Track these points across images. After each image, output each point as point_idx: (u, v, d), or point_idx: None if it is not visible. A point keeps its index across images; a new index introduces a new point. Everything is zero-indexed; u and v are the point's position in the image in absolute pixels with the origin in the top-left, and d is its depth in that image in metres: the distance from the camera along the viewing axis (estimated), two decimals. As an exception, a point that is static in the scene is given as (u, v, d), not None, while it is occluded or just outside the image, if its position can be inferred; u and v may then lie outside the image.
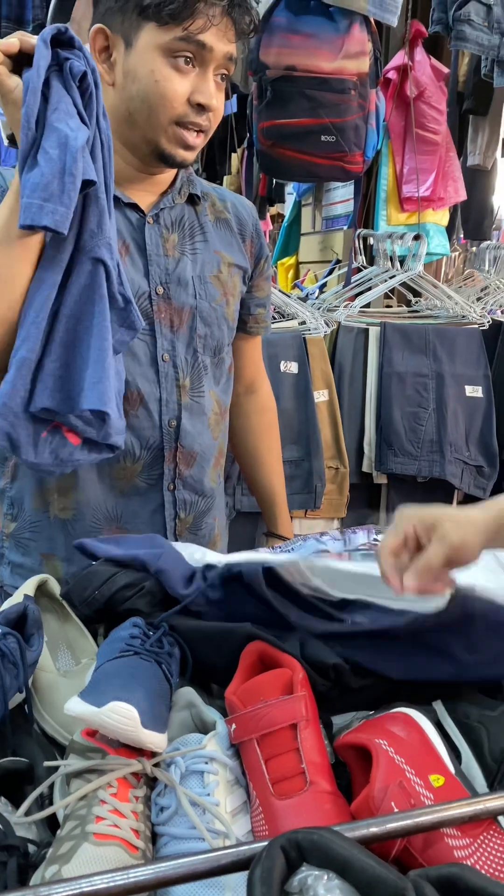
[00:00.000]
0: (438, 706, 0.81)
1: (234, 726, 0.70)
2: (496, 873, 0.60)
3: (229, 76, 1.07)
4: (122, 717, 0.64)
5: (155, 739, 0.66)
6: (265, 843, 0.53)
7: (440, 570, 0.76)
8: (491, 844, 0.62)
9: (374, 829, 0.60)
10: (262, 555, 0.89)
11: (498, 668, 0.81)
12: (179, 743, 0.70)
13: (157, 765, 0.67)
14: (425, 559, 0.75)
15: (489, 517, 0.79)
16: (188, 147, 1.05)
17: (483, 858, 0.61)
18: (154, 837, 0.65)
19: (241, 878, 0.57)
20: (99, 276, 0.89)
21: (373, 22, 1.77)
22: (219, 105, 1.05)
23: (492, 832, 0.63)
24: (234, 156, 2.95)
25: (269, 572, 0.83)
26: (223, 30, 1.01)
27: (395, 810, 0.63)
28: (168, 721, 0.72)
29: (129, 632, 0.76)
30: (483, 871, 0.59)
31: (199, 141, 1.06)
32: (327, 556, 0.95)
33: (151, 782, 0.68)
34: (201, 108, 1.03)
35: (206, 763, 0.67)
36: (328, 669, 0.77)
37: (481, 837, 0.62)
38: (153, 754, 0.68)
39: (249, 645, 0.77)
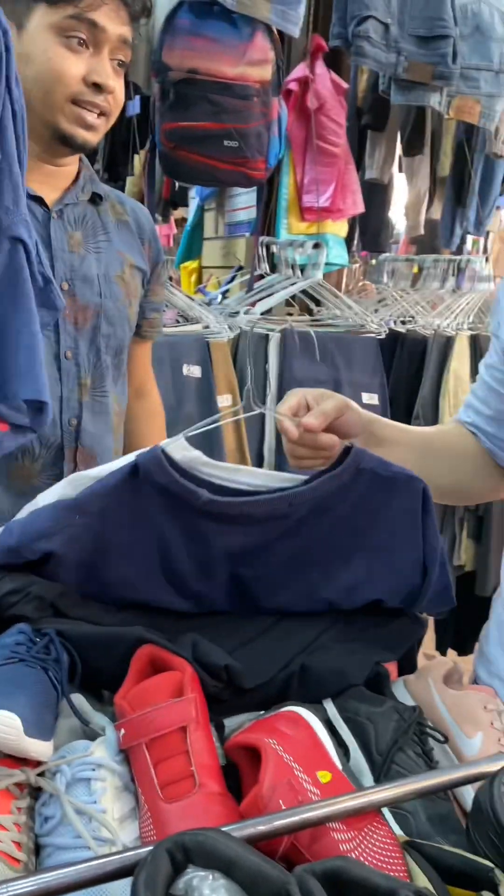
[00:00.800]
0: (328, 704, 0.83)
1: (122, 731, 0.69)
2: (378, 863, 0.61)
3: (127, 64, 1.07)
4: (3, 725, 0.62)
5: (39, 748, 0.64)
6: (150, 848, 0.53)
7: (334, 417, 0.87)
8: (374, 836, 0.63)
9: (261, 828, 0.61)
10: None
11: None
12: (66, 750, 0.68)
13: (42, 774, 0.65)
14: (321, 407, 0.86)
15: (368, 414, 0.95)
16: (88, 127, 1.04)
17: (367, 850, 0.63)
18: (38, 849, 0.63)
19: (127, 884, 0.56)
20: (19, 256, 0.86)
21: (275, 31, 1.80)
22: (116, 88, 1.05)
23: (375, 824, 0.64)
24: (136, 157, 2.93)
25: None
26: (115, 10, 1.01)
27: (283, 808, 0.63)
28: (55, 729, 0.70)
29: (15, 638, 0.73)
30: (366, 863, 0.61)
31: (99, 122, 1.06)
32: None
33: (36, 792, 0.66)
34: (97, 87, 1.02)
35: (94, 770, 0.66)
36: (220, 671, 0.77)
37: (365, 830, 0.64)
38: (38, 763, 0.66)
39: (140, 649, 0.76)
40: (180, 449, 0.84)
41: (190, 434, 0.85)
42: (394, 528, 0.86)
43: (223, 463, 0.88)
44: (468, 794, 0.75)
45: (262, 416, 2.01)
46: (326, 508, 0.84)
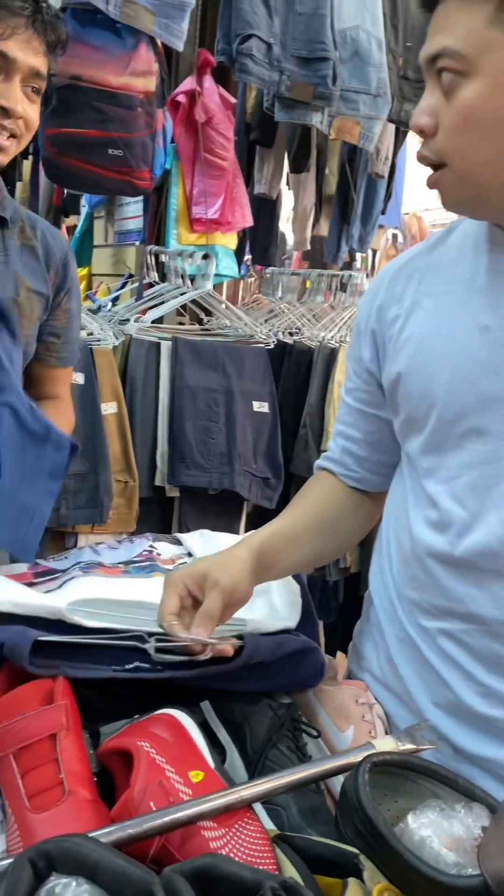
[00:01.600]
0: (205, 706, 0.84)
1: (-11, 743, 0.67)
2: (248, 858, 0.62)
3: (41, 91, 1.09)
4: None
5: None
6: (12, 860, 0.52)
7: (221, 615, 0.80)
8: (244, 831, 0.64)
9: (130, 831, 0.61)
10: (23, 593, 0.84)
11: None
12: None
13: None
14: (204, 609, 0.79)
15: (252, 555, 0.86)
16: None
17: (237, 846, 0.63)
18: None
19: (-12, 899, 0.55)
20: None
21: (160, 44, 1.81)
22: (28, 113, 1.07)
23: (246, 819, 0.66)
24: (25, 162, 2.86)
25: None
26: (27, 41, 1.02)
27: (154, 809, 0.63)
28: None
29: None
30: (236, 858, 0.62)
31: (9, 143, 1.07)
32: (99, 570, 0.94)
33: None
34: (4, 112, 1.03)
35: (-43, 785, 0.64)
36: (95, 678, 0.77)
37: (236, 826, 0.65)
38: None
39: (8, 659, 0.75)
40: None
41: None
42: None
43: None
44: (339, 784, 0.77)
45: (155, 420, 2.00)
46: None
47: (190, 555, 1.04)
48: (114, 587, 0.87)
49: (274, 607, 0.93)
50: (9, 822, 0.64)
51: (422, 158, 0.77)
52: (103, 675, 0.75)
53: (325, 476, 1.05)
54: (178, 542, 1.10)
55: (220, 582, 0.80)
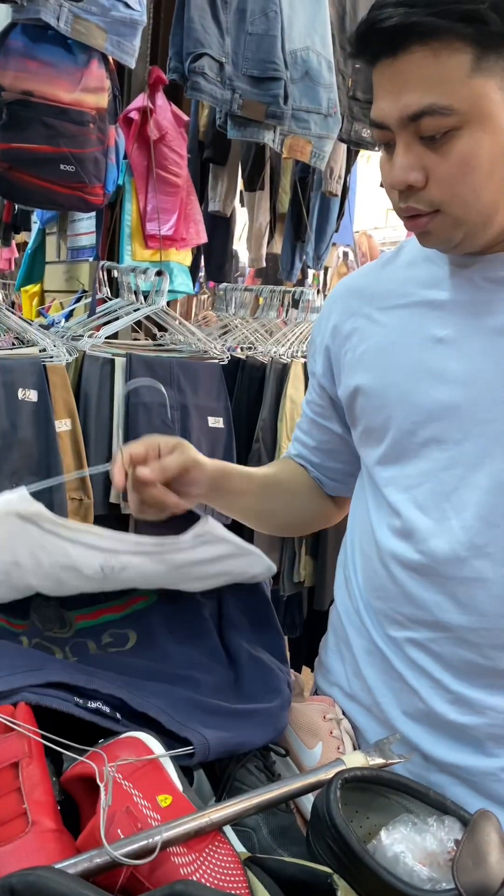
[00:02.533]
0: (171, 727, 0.82)
1: None
2: (219, 883, 0.61)
3: None
4: None
5: None
6: (-26, 896, 0.49)
7: (173, 474, 0.87)
8: (215, 855, 0.63)
9: (97, 860, 0.59)
10: None
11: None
12: None
13: None
14: (164, 461, 0.86)
15: (215, 468, 0.95)
16: None
17: (208, 871, 0.62)
18: None
19: None
20: None
21: (112, 61, 1.81)
22: None
23: (216, 843, 0.64)
24: (-27, 177, 2.82)
25: None
26: None
27: (122, 837, 0.61)
28: None
29: None
30: (207, 884, 0.60)
31: None
32: None
33: None
34: None
35: None
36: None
37: (206, 850, 0.63)
38: None
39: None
40: (23, 501, 0.81)
41: (33, 489, 0.82)
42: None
43: (71, 522, 0.85)
44: (309, 803, 0.76)
45: (110, 437, 1.97)
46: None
47: None
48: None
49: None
50: (-31, 856, 0.62)
51: (409, 211, 0.77)
52: (64, 709, 0.73)
53: (288, 460, 1.12)
54: None
55: (188, 452, 0.88)
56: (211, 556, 0.93)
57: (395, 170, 0.75)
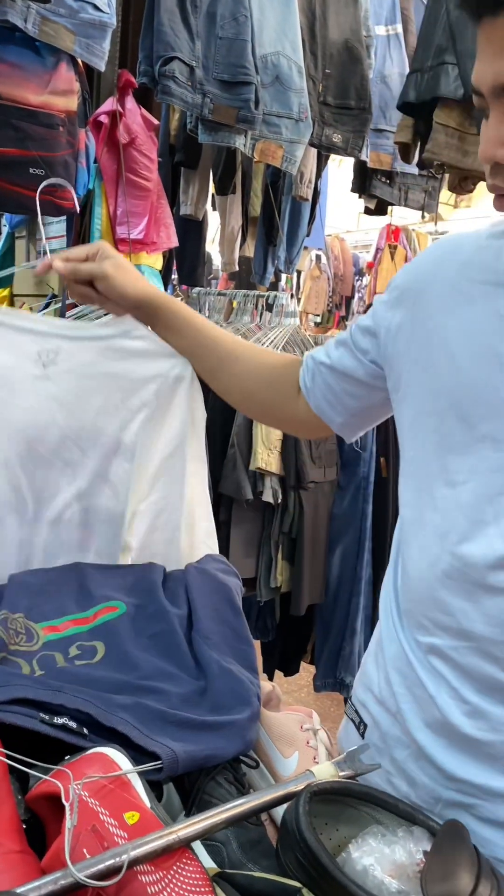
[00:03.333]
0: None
1: None
2: (187, 901, 0.60)
3: None
4: None
5: None
6: None
7: (81, 277, 1.00)
8: (183, 873, 0.62)
9: (62, 882, 0.58)
10: None
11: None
12: None
13: None
14: (79, 265, 1.01)
15: (142, 294, 1.03)
16: None
17: (176, 888, 0.61)
18: None
19: None
20: None
21: (81, 64, 1.79)
22: None
23: (185, 860, 0.63)
24: None
25: None
26: None
27: (88, 857, 0.60)
28: None
29: None
30: (175, 902, 0.59)
31: None
32: None
33: None
34: None
35: None
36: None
37: (174, 868, 0.62)
38: None
39: None
40: None
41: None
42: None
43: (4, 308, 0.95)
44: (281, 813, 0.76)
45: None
46: None
47: None
48: None
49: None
50: None
51: (496, 188, 0.71)
52: (29, 726, 0.72)
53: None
54: None
55: (117, 259, 1.02)
56: (136, 348, 1.07)
57: (483, 143, 0.69)
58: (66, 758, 0.71)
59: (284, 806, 0.71)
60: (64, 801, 0.61)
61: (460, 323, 0.80)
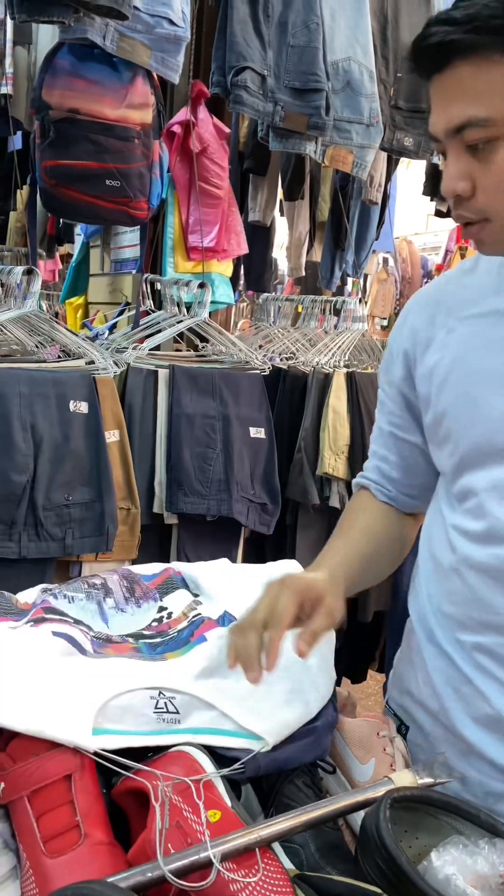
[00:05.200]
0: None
1: (2, 785, 0.65)
2: (271, 901, 0.61)
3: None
4: None
5: None
6: (31, 908, 0.51)
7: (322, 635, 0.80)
8: (265, 872, 0.63)
9: (149, 875, 0.59)
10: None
11: None
12: None
13: None
14: (313, 629, 0.78)
15: (344, 589, 0.87)
16: None
17: (258, 888, 0.62)
18: None
19: None
20: None
21: (155, 77, 1.84)
22: None
23: (266, 860, 0.64)
24: (20, 192, 2.89)
25: None
26: None
27: (173, 852, 0.62)
28: None
29: None
30: (257, 901, 0.60)
31: None
32: (109, 648, 0.87)
33: None
34: None
35: (-30, 830, 0.62)
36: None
37: (256, 867, 0.63)
38: None
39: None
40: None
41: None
42: None
43: None
44: (359, 820, 0.76)
45: (153, 448, 2.00)
46: None
47: (197, 595, 1.02)
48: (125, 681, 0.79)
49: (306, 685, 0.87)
50: (23, 866, 0.63)
51: (460, 218, 0.80)
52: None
53: (364, 494, 1.07)
54: (183, 582, 1.07)
55: (328, 604, 0.80)
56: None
57: (444, 179, 0.78)
58: (150, 755, 0.73)
59: (361, 812, 0.71)
60: (154, 801, 0.63)
61: (464, 356, 0.89)
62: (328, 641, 0.96)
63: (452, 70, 0.73)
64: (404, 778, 0.72)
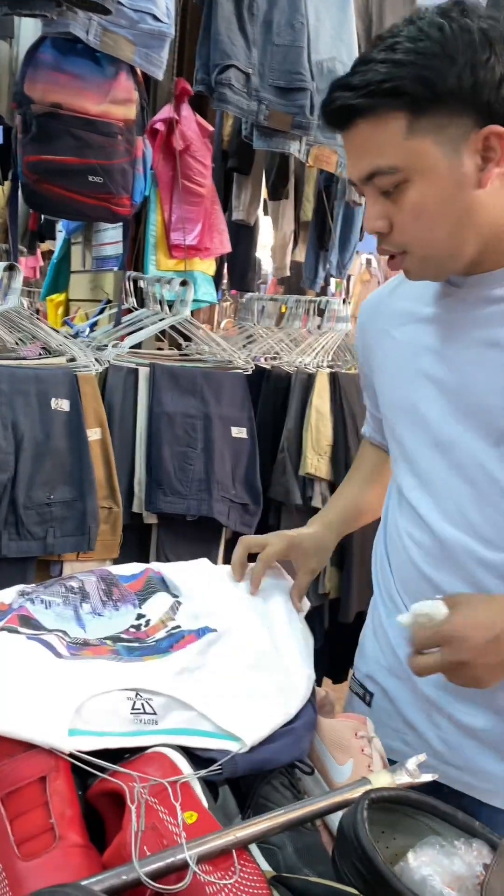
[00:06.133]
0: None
1: (-25, 788, 0.64)
2: (246, 902, 0.60)
3: None
4: None
5: None
6: (3, 912, 0.50)
7: (274, 560, 1.06)
8: (241, 874, 0.63)
9: (124, 877, 0.59)
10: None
11: None
12: None
13: None
14: (298, 586, 1.05)
15: (315, 538, 1.12)
16: None
17: (234, 889, 0.62)
18: None
19: None
20: None
21: (139, 73, 1.83)
22: None
23: (242, 861, 0.64)
24: (1, 188, 2.86)
25: None
26: None
27: (148, 854, 0.61)
28: None
29: None
30: (234, 903, 0.60)
31: None
32: (86, 651, 0.86)
33: None
34: None
35: None
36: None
37: (232, 868, 0.63)
38: None
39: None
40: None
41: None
42: None
43: None
44: (337, 821, 0.76)
45: (133, 447, 1.98)
46: None
47: (177, 596, 1.01)
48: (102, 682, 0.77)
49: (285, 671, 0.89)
50: (-4, 870, 0.62)
51: (384, 251, 0.90)
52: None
53: (365, 443, 1.27)
54: (163, 583, 1.05)
55: (277, 544, 1.06)
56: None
57: (365, 220, 0.90)
58: (126, 756, 0.72)
59: (339, 813, 0.71)
60: (129, 803, 0.62)
61: (399, 360, 1.02)
62: (307, 641, 0.97)
63: (356, 128, 0.83)
64: (382, 779, 0.72)
